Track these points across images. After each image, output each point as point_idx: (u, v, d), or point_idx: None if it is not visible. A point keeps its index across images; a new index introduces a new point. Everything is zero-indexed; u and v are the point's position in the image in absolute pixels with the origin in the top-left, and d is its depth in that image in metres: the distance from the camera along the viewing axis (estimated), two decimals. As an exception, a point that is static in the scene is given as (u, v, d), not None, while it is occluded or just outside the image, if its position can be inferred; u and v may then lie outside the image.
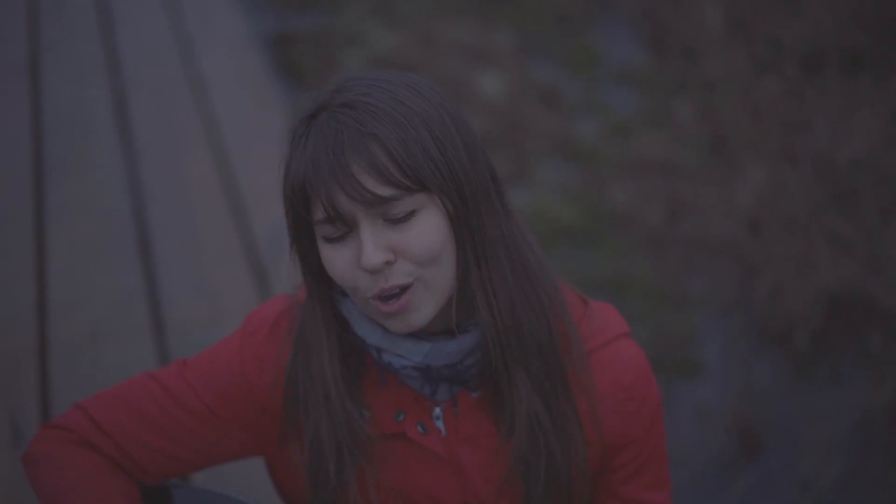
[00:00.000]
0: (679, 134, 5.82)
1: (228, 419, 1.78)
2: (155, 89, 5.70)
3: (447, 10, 7.10)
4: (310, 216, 1.57)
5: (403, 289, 1.57)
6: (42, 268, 4.30)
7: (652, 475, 1.81)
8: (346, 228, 1.56)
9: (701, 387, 4.31)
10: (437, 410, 1.72)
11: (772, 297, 4.61)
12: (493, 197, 1.63)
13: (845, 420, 4.07)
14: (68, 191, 4.80)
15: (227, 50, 6.18)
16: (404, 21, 6.87)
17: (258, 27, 6.62)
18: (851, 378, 4.28)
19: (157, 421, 1.78)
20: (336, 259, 1.58)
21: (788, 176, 5.22)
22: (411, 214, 1.55)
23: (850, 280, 4.56)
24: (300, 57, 6.41)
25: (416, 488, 1.74)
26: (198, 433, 1.78)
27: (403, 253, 1.56)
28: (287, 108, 5.63)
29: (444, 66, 6.32)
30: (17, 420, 3.60)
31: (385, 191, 1.52)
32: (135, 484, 1.81)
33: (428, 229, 1.57)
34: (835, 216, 4.93)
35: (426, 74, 6.14)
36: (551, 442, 1.70)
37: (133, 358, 3.79)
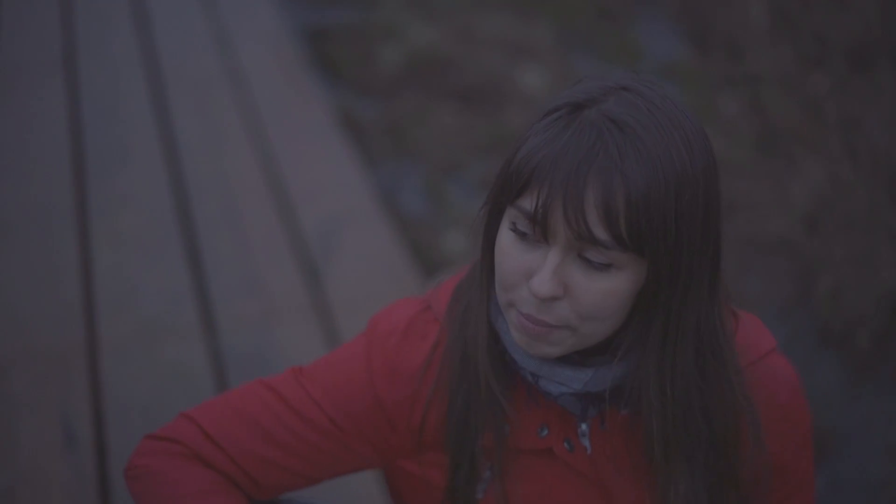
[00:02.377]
0: (727, 129, 5.70)
1: (353, 433, 1.66)
2: (193, 83, 5.60)
3: (485, 4, 7.00)
4: (515, 198, 1.44)
5: (546, 326, 1.47)
6: (88, 265, 4.20)
7: (803, 497, 1.71)
8: (538, 237, 1.43)
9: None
10: (584, 427, 1.60)
11: (831, 296, 4.50)
12: (706, 283, 1.51)
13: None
14: (110, 187, 4.70)
15: (263, 44, 6.07)
16: (441, 15, 6.76)
17: (293, 21, 6.51)
18: (915, 380, 4.18)
19: (275, 433, 1.66)
20: (512, 253, 1.46)
21: (845, 173, 5.11)
22: (608, 267, 1.42)
23: (912, 279, 4.46)
24: (336, 51, 6.30)
25: None
26: (319, 447, 1.66)
27: (574, 298, 1.43)
28: (327, 102, 5.53)
29: (484, 60, 6.21)
30: (69, 422, 3.50)
31: (602, 235, 1.39)
32: (247, 500, 1.69)
33: (614, 290, 1.44)
34: (891, 212, 4.82)
35: (467, 69, 6.06)
36: None
37: (185, 356, 3.69)
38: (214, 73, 5.71)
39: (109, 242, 4.32)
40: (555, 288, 1.42)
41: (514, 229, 1.45)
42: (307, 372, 1.68)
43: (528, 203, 1.41)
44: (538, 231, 1.42)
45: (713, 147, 1.52)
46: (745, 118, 5.80)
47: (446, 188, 5.10)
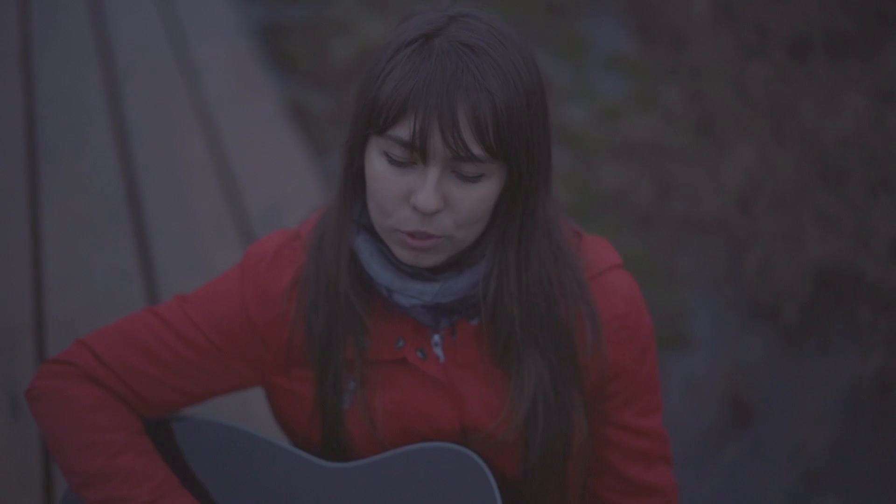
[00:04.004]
0: (667, 117, 5.87)
1: (229, 352, 1.81)
2: (147, 77, 5.73)
3: (436, -1, 7.14)
4: (387, 129, 1.56)
5: (432, 237, 1.61)
6: (37, 246, 4.33)
7: (644, 402, 1.85)
8: (413, 159, 1.57)
9: (692, 360, 4.36)
10: (436, 338, 1.76)
11: (761, 272, 4.66)
12: (546, 181, 1.67)
13: (834, 389, 4.11)
14: (63, 174, 4.83)
15: (217, 38, 6.21)
16: (393, 10, 6.90)
17: (248, 17, 6.65)
18: (840, 350, 4.33)
19: (160, 354, 1.81)
20: (389, 181, 1.59)
21: (777, 155, 5.27)
22: (479, 178, 1.58)
23: (838, 255, 4.61)
24: (290, 46, 6.45)
25: (415, 413, 1.78)
26: (200, 366, 1.82)
27: (453, 209, 1.59)
28: (277, 94, 5.67)
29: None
30: (14, 392, 3.62)
31: (476, 149, 1.54)
32: (137, 417, 1.84)
33: (485, 196, 1.60)
34: (823, 194, 4.98)
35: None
36: (552, 419, 1.74)
37: (129, 332, 3.82)
38: (168, 66, 5.84)
39: (60, 225, 4.45)
40: (438, 202, 1.56)
41: (391, 159, 1.58)
42: (189, 298, 1.84)
43: (403, 132, 1.55)
44: (416, 155, 1.56)
45: None
46: (685, 106, 5.96)
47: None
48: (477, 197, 1.58)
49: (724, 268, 4.79)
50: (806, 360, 4.33)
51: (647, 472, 1.86)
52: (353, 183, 1.66)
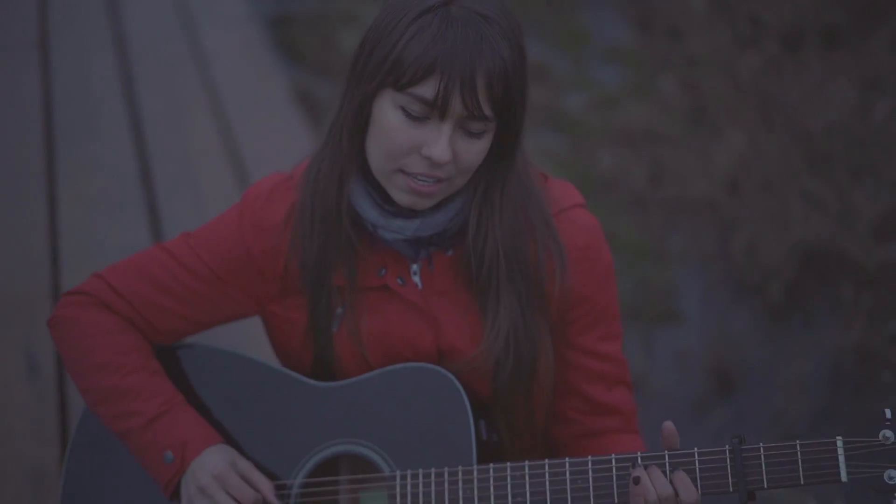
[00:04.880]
0: (662, 105, 6.06)
1: (230, 282, 2.01)
2: (160, 64, 5.95)
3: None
4: (409, 86, 1.75)
5: (437, 180, 1.81)
6: (54, 222, 4.54)
7: (604, 328, 2.04)
8: (429, 115, 1.76)
9: (680, 333, 4.55)
10: (415, 267, 1.96)
11: (748, 251, 4.85)
12: (522, 130, 1.88)
13: (816, 361, 4.30)
14: (78, 155, 5.05)
15: (228, 28, 6.42)
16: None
17: (259, 7, 6.86)
18: (822, 324, 4.52)
19: (167, 285, 2.01)
20: (402, 132, 1.78)
21: (765, 141, 5.46)
22: (482, 134, 1.80)
23: (823, 235, 4.80)
24: (299, 36, 6.66)
25: (397, 336, 1.97)
26: (203, 295, 2.01)
27: (458, 160, 1.80)
28: (285, 81, 5.88)
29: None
30: (33, 356, 3.83)
31: (488, 110, 1.76)
32: (148, 342, 2.04)
33: (484, 149, 1.82)
34: (809, 177, 5.17)
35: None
36: (521, 345, 1.94)
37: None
38: (180, 54, 6.06)
39: (75, 203, 4.66)
40: (450, 154, 1.77)
41: (409, 113, 1.77)
42: (194, 234, 2.04)
43: (427, 91, 1.74)
44: (434, 112, 1.76)
45: None
46: (680, 95, 6.16)
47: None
48: (478, 150, 1.81)
49: (713, 247, 4.98)
50: (789, 333, 4.52)
51: (608, 393, 2.05)
52: (362, 133, 1.85)
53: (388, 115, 1.79)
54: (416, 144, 1.78)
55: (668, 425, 1.82)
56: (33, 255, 4.30)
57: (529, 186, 1.92)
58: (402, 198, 1.83)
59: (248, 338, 2.43)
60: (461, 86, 1.72)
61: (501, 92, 1.75)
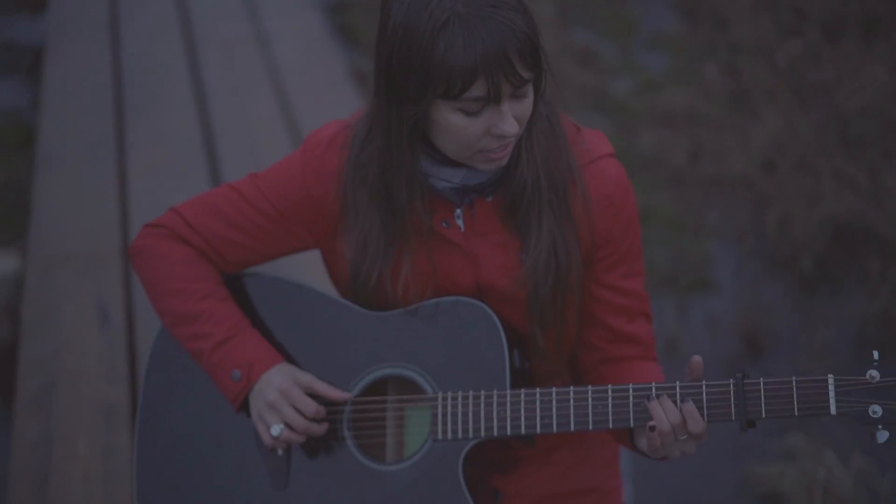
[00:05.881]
0: (704, 90, 6.29)
1: (291, 218, 2.24)
2: (224, 44, 6.25)
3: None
4: (461, 94, 1.91)
5: (508, 144, 2.02)
6: (124, 187, 4.86)
7: (627, 267, 2.26)
8: (485, 105, 1.94)
9: (713, 301, 4.79)
10: (458, 211, 2.18)
11: (781, 225, 5.07)
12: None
13: (841, 328, 4.52)
14: (146, 126, 5.36)
15: (289, 12, 6.72)
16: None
17: (317, -5, 7.16)
18: (849, 295, 4.74)
19: (236, 220, 2.24)
20: (470, 128, 1.96)
21: (801, 123, 5.67)
22: (528, 91, 1.98)
23: (853, 211, 5.02)
24: (355, 20, 6.93)
25: (442, 274, 2.20)
26: (267, 229, 2.25)
27: (520, 120, 1.99)
28: (343, 63, 6.16)
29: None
30: (105, 306, 4.13)
31: (527, 74, 1.94)
32: (218, 271, 2.29)
33: (531, 101, 2.00)
34: (842, 157, 5.38)
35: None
36: (559, 258, 2.17)
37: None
38: (242, 35, 6.36)
39: (143, 170, 4.97)
40: (516, 125, 1.96)
41: (468, 112, 1.94)
42: (260, 176, 2.27)
43: (479, 91, 1.91)
44: (489, 103, 1.93)
45: None
46: (721, 80, 6.39)
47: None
48: (529, 104, 2.00)
49: (748, 222, 5.21)
50: (817, 303, 4.74)
51: (629, 324, 2.26)
52: (419, 136, 2.03)
53: (449, 119, 1.96)
54: (485, 129, 1.96)
55: (697, 359, 1.99)
56: (105, 217, 4.61)
57: (557, 131, 2.15)
58: (486, 167, 2.04)
59: (308, 269, 2.68)
60: (504, 72, 1.89)
61: (531, 56, 1.93)
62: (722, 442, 4.08)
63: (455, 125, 1.96)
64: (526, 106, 1.98)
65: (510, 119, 1.94)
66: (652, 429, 1.97)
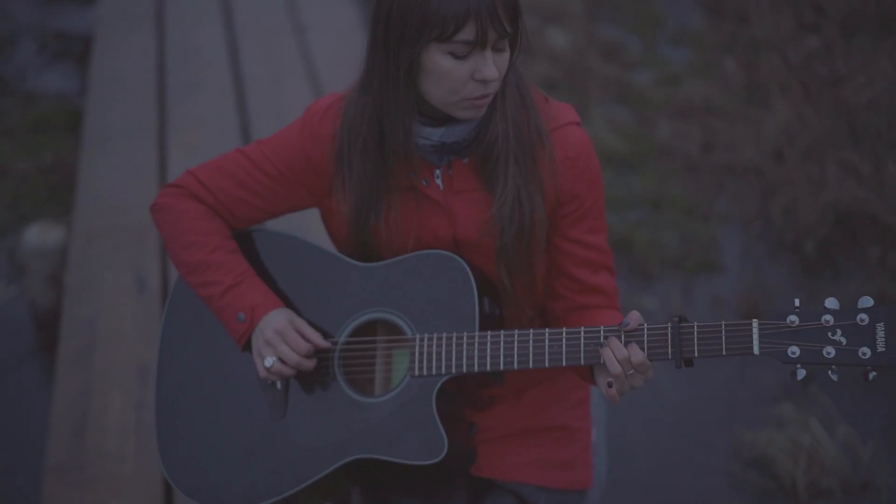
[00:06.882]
0: (722, 83, 6.52)
1: (293, 179, 2.51)
2: (262, 34, 6.56)
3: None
4: (452, 37, 2.16)
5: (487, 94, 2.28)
6: (163, 167, 5.17)
7: (591, 222, 2.50)
8: (471, 50, 2.19)
9: (718, 282, 5.02)
10: (438, 171, 2.44)
11: (787, 211, 5.30)
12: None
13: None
14: (186, 110, 5.67)
15: (325, 4, 7.01)
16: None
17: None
18: (849, 278, 4.97)
19: (244, 181, 2.52)
20: (457, 70, 2.21)
21: (811, 115, 5.90)
22: (506, 46, 2.25)
23: (856, 199, 5.24)
24: (391, 14, 7.19)
25: (424, 228, 2.46)
26: (272, 189, 2.52)
27: (500, 71, 2.26)
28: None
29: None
30: (142, 275, 4.44)
31: (510, 28, 2.21)
32: (228, 226, 2.57)
33: (508, 57, 2.26)
34: (848, 148, 5.60)
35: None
36: (524, 207, 2.43)
37: (237, 233, 4.64)
38: (280, 26, 6.67)
39: (183, 151, 5.27)
40: (496, 71, 2.22)
41: (456, 55, 2.20)
42: (265, 142, 2.54)
43: (468, 35, 2.17)
44: (475, 48, 2.19)
45: None
46: (738, 74, 6.62)
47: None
48: (505, 59, 2.26)
49: (755, 209, 5.44)
50: (819, 285, 4.97)
51: (593, 276, 2.51)
52: (413, 79, 2.28)
53: (440, 62, 2.21)
54: (469, 73, 2.21)
55: (635, 313, 2.24)
56: (145, 193, 4.91)
57: (525, 95, 2.40)
58: (467, 115, 2.29)
59: (307, 225, 2.95)
60: (491, 20, 2.16)
61: (514, 11, 2.21)
62: (714, 410, 4.35)
63: (444, 67, 2.20)
64: (504, 59, 2.24)
65: (491, 65, 2.20)
66: (610, 384, 2.24)
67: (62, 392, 3.91)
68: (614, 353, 2.22)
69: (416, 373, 2.35)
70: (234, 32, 6.58)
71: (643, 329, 2.23)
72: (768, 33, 6.98)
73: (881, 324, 2.09)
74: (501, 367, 2.31)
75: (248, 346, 2.47)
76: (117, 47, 6.47)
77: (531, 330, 2.31)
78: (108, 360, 4.05)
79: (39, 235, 4.78)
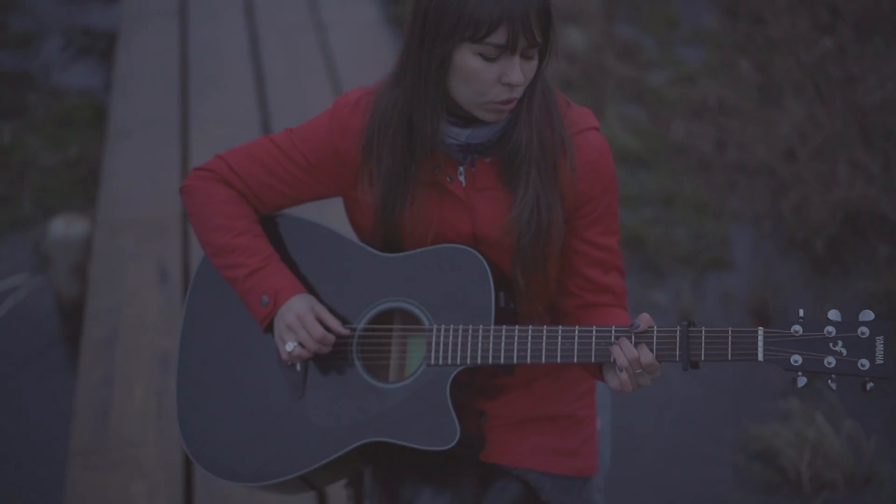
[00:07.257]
0: (736, 83, 6.60)
1: (319, 168, 2.58)
2: (283, 31, 6.67)
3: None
4: (484, 38, 2.23)
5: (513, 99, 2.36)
6: (186, 160, 5.29)
7: (605, 225, 2.58)
8: (501, 54, 2.26)
9: (728, 278, 5.11)
10: (461, 168, 2.52)
11: (797, 210, 5.38)
12: None
13: (847, 305, 4.81)
14: (208, 106, 5.79)
15: (346, 2, 7.12)
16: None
17: (375, -15, 7.54)
18: (858, 276, 5.04)
19: (272, 167, 2.59)
20: (485, 72, 2.29)
21: (823, 115, 5.97)
22: (535, 55, 2.32)
23: (865, 198, 5.31)
24: (407, 13, 7.29)
25: (444, 222, 2.53)
26: (299, 177, 2.60)
27: (527, 78, 2.33)
28: (397, 51, 6.52)
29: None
30: (164, 266, 4.55)
31: (540, 38, 2.28)
32: (254, 211, 2.65)
33: (535, 66, 2.33)
34: (859, 148, 5.68)
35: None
36: (542, 213, 2.52)
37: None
38: (301, 24, 6.78)
39: (204, 146, 5.38)
40: (523, 77, 2.29)
41: (485, 57, 2.27)
42: (295, 131, 2.62)
43: (500, 38, 2.25)
44: (505, 52, 2.27)
45: None
46: (752, 74, 6.70)
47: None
48: (533, 67, 2.33)
49: (767, 207, 5.52)
50: (827, 283, 5.05)
51: (604, 276, 2.58)
52: (443, 77, 2.35)
53: (470, 62, 2.28)
54: (496, 77, 2.28)
55: (645, 316, 2.32)
56: (167, 188, 5.03)
57: (549, 102, 2.49)
58: (491, 117, 2.36)
59: (332, 214, 3.03)
60: (523, 27, 2.23)
61: (546, 21, 2.27)
62: (720, 403, 4.43)
63: (473, 68, 2.27)
64: (531, 67, 2.31)
65: (518, 70, 2.26)
66: (621, 369, 2.32)
67: (86, 380, 4.02)
68: (624, 353, 2.30)
69: (433, 362, 2.43)
70: (256, 29, 6.69)
71: (653, 331, 2.31)
72: (783, 34, 7.05)
73: (881, 337, 2.15)
74: (515, 361, 2.40)
75: (269, 329, 2.56)
76: (141, 44, 6.61)
77: (545, 327, 2.39)
78: (131, 349, 4.16)
79: (64, 228, 4.88)
